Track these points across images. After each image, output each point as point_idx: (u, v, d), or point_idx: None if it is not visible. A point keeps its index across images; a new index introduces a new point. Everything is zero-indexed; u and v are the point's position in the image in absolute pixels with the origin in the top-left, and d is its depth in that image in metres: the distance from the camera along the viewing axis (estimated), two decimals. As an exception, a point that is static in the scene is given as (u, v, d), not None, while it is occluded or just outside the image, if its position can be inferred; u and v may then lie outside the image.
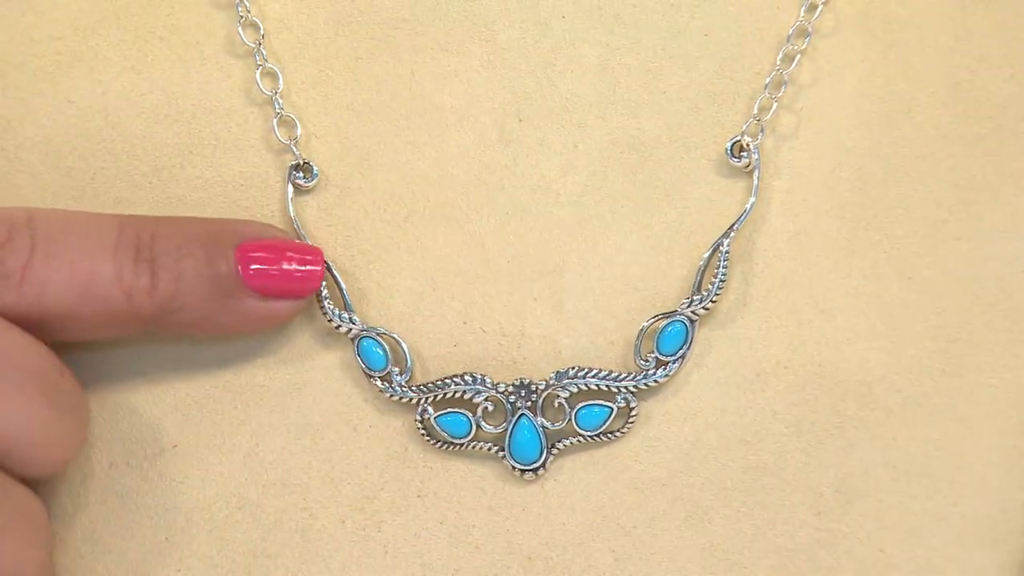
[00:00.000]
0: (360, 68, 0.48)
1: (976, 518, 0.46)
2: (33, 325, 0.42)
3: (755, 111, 0.47)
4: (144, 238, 0.43)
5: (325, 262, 0.46)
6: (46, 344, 0.42)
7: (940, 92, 0.47)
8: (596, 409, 0.46)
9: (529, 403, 0.46)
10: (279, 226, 0.46)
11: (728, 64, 0.47)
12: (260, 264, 0.44)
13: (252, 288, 0.44)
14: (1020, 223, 0.47)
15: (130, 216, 0.43)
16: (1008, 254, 0.47)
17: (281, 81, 0.48)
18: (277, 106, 0.47)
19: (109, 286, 0.42)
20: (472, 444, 0.46)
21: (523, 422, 0.46)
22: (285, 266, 0.44)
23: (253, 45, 0.48)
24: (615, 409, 0.46)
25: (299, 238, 0.46)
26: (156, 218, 0.44)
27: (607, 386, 0.46)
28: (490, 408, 0.46)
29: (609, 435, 0.46)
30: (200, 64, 0.48)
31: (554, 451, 0.46)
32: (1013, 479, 0.46)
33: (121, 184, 0.47)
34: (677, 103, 0.47)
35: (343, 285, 0.46)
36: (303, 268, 0.45)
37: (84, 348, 0.46)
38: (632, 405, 0.46)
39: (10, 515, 0.40)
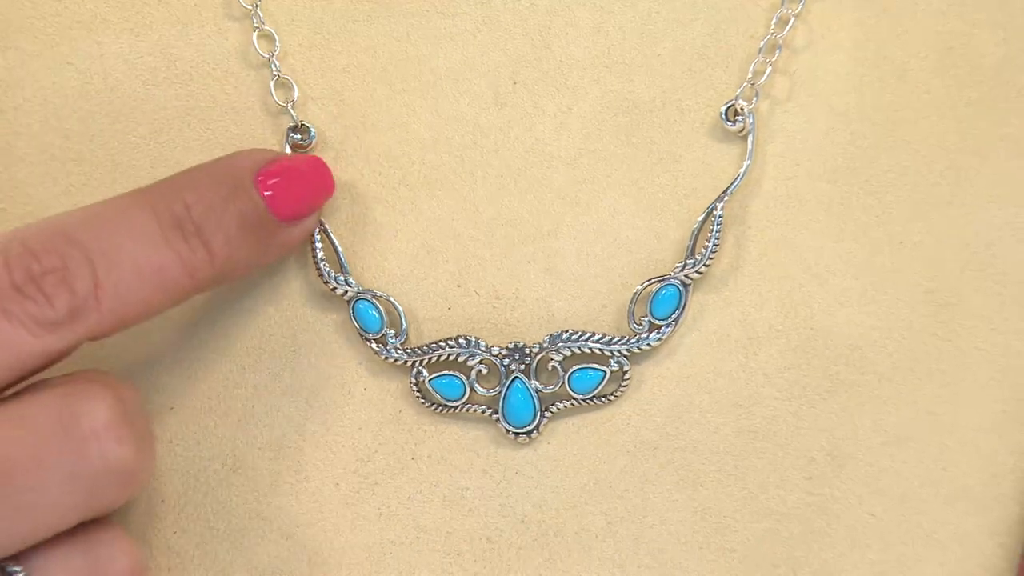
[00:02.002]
0: (357, 30, 0.46)
1: (966, 483, 0.45)
2: (109, 333, 0.40)
3: (749, 75, 0.45)
4: (179, 211, 0.40)
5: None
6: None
7: (933, 56, 0.46)
8: (589, 373, 0.44)
9: (523, 366, 0.44)
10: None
11: (722, 27, 0.46)
12: (280, 191, 0.43)
13: (284, 219, 0.43)
14: (1011, 188, 0.45)
15: (149, 191, 0.41)
16: (999, 218, 0.45)
17: (278, 43, 0.46)
18: (274, 68, 0.46)
19: (175, 272, 0.40)
20: (466, 407, 0.45)
21: (516, 385, 0.44)
22: (301, 184, 0.43)
23: (250, 7, 0.46)
24: (608, 373, 0.44)
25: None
26: (171, 183, 0.41)
27: (600, 350, 0.44)
28: (484, 371, 0.45)
29: (602, 398, 0.45)
30: (198, 26, 0.46)
31: (547, 414, 0.45)
32: (1003, 444, 0.45)
33: (119, 146, 0.46)
34: (671, 66, 0.46)
35: (339, 247, 0.45)
36: (318, 179, 0.44)
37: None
38: (625, 369, 0.44)
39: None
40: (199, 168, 0.42)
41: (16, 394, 0.38)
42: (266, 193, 0.42)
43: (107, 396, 0.38)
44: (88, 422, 0.38)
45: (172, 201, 0.41)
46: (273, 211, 0.42)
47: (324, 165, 0.44)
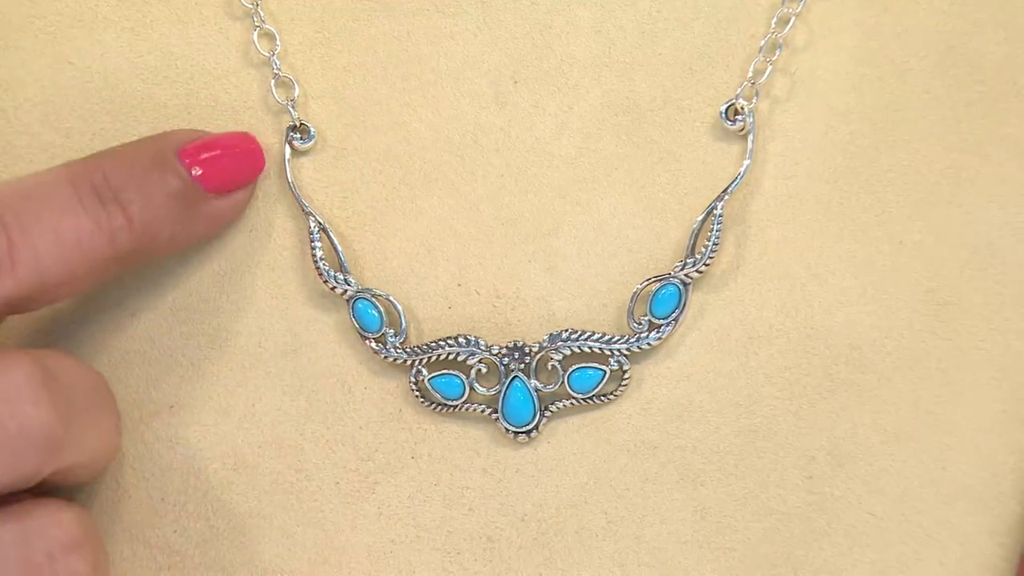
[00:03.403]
0: (357, 30, 0.46)
1: (966, 482, 0.44)
2: (31, 300, 0.40)
3: (750, 74, 0.45)
4: (98, 181, 0.41)
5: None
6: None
7: (933, 55, 0.45)
8: (589, 372, 0.44)
9: (522, 365, 0.44)
10: (276, 188, 0.45)
11: (722, 26, 0.46)
12: (207, 166, 0.43)
13: (211, 189, 0.43)
14: (1011, 187, 0.45)
15: (69, 164, 0.42)
16: (999, 218, 0.45)
17: (279, 42, 0.46)
18: (275, 67, 0.46)
19: (93, 237, 0.40)
20: (466, 406, 0.45)
21: (516, 384, 0.44)
22: (229, 159, 0.43)
23: (251, 6, 0.46)
24: (608, 372, 0.44)
25: (296, 200, 0.45)
26: (94, 159, 0.42)
27: (600, 349, 0.44)
28: (484, 370, 0.44)
29: (602, 398, 0.44)
30: (199, 25, 0.46)
31: (547, 413, 0.44)
32: (1003, 443, 0.45)
33: (120, 145, 0.46)
34: (672, 65, 0.45)
35: (339, 247, 0.45)
36: (247, 152, 0.44)
37: (78, 311, 0.45)
38: (625, 368, 0.44)
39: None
40: (123, 144, 0.43)
41: None
42: (189, 166, 0.42)
43: (24, 361, 0.38)
44: (2, 386, 0.37)
45: (91, 171, 0.41)
46: (198, 182, 0.42)
47: (254, 140, 0.44)
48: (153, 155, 0.42)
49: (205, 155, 0.43)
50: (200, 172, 0.42)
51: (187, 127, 0.45)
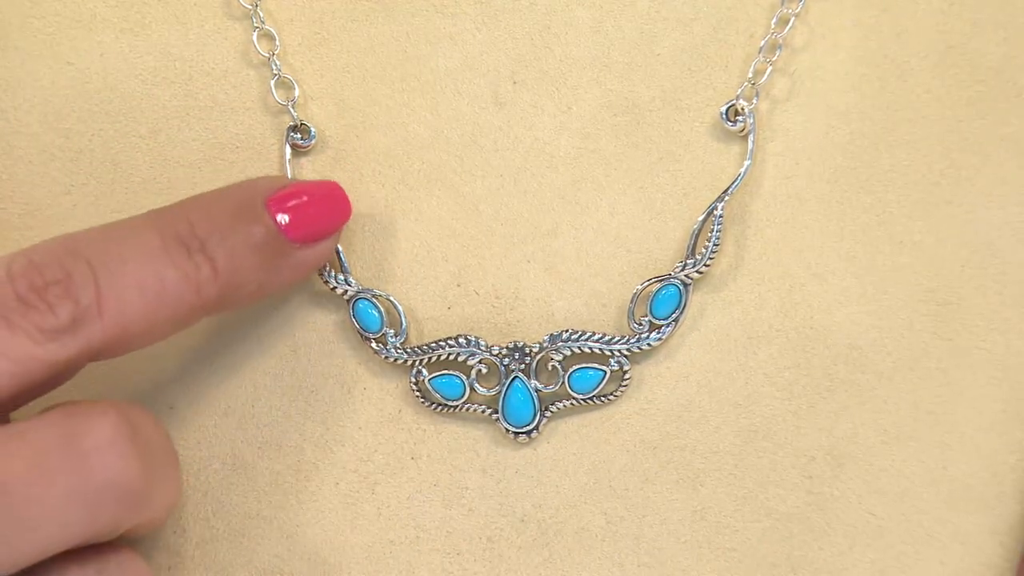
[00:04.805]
0: (356, 30, 0.46)
1: (966, 482, 0.44)
2: (114, 348, 0.40)
3: (750, 74, 0.45)
4: (183, 230, 0.40)
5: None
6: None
7: (933, 55, 0.45)
8: (589, 372, 0.44)
9: (523, 366, 0.44)
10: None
11: (722, 27, 0.46)
12: (294, 215, 0.42)
13: (297, 239, 0.42)
14: (1011, 187, 0.45)
15: (156, 212, 0.41)
16: (999, 218, 0.45)
17: (278, 43, 0.46)
18: (274, 67, 0.46)
19: (178, 287, 0.40)
20: (466, 406, 0.45)
21: (516, 385, 0.44)
22: (316, 208, 0.43)
23: (250, 7, 0.46)
24: (608, 372, 0.44)
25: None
26: (180, 206, 0.41)
27: (600, 349, 0.44)
28: (484, 370, 0.45)
29: (602, 398, 0.44)
30: (198, 26, 0.46)
31: (547, 414, 0.44)
32: (1003, 443, 0.45)
33: (119, 146, 0.46)
34: (671, 66, 0.46)
35: (339, 247, 0.45)
36: (333, 201, 0.43)
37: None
38: (625, 368, 0.44)
39: None
40: (210, 192, 0.42)
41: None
42: (277, 214, 0.42)
43: (111, 414, 0.38)
44: (91, 438, 0.37)
45: (177, 220, 0.41)
46: (284, 232, 0.42)
47: (340, 190, 0.44)
48: (239, 203, 0.42)
49: (292, 203, 0.42)
50: (287, 221, 0.42)
51: (186, 127, 0.45)
